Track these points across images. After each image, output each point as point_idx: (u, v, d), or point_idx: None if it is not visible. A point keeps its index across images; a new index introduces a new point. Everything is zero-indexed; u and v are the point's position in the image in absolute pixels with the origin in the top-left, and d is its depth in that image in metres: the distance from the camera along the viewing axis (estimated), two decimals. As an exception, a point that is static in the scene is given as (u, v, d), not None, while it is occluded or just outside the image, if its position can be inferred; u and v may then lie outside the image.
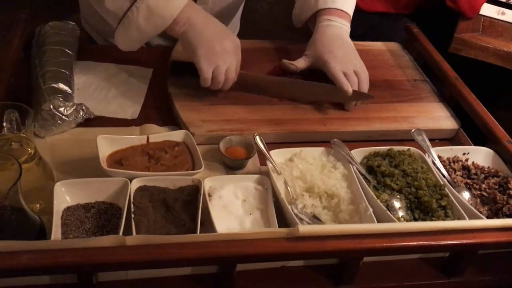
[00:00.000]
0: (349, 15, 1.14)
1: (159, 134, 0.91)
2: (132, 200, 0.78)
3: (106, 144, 0.85)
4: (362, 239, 0.71)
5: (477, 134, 1.06)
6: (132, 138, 0.89)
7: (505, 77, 1.64)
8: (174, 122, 0.99)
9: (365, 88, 1.06)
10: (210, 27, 0.99)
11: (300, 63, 1.11)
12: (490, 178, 0.93)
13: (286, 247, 0.69)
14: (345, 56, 1.08)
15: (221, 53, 0.97)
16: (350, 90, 1.03)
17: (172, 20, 0.96)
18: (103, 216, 0.77)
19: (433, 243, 0.72)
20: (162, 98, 1.04)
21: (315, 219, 0.81)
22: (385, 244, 0.70)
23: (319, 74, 1.10)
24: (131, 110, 1.01)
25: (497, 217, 0.86)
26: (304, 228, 0.70)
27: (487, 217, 0.85)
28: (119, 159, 0.85)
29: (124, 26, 0.97)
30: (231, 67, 0.99)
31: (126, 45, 1.02)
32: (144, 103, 1.04)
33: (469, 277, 0.80)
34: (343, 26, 1.12)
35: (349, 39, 1.13)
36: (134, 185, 0.80)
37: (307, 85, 1.07)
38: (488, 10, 1.68)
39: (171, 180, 0.82)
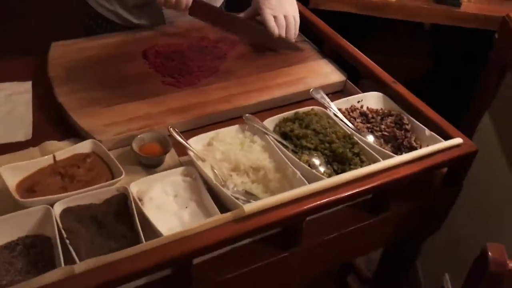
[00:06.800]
0: None
1: (65, 150, 0.85)
2: (60, 226, 0.72)
3: (11, 173, 0.77)
4: (302, 201, 0.74)
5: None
6: (37, 161, 0.81)
7: (367, 23, 1.78)
8: (74, 133, 0.92)
9: (291, 31, 1.18)
10: None
11: (243, 15, 1.24)
12: (386, 118, 1.01)
13: (236, 229, 0.70)
14: (278, 2, 1.18)
15: None
16: (276, 32, 1.15)
17: None
18: (32, 251, 0.71)
19: (363, 188, 0.78)
20: (52, 111, 0.96)
21: (249, 194, 0.82)
22: (324, 200, 0.75)
23: None
24: (22, 131, 0.92)
25: (400, 151, 0.95)
26: (249, 207, 0.71)
27: (392, 153, 0.93)
28: (30, 186, 0.77)
29: None
30: None
31: None
32: (33, 120, 0.95)
33: (394, 210, 0.89)
34: None
35: None
36: (57, 209, 0.74)
37: (251, 25, 1.20)
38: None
39: (94, 194, 0.78)
